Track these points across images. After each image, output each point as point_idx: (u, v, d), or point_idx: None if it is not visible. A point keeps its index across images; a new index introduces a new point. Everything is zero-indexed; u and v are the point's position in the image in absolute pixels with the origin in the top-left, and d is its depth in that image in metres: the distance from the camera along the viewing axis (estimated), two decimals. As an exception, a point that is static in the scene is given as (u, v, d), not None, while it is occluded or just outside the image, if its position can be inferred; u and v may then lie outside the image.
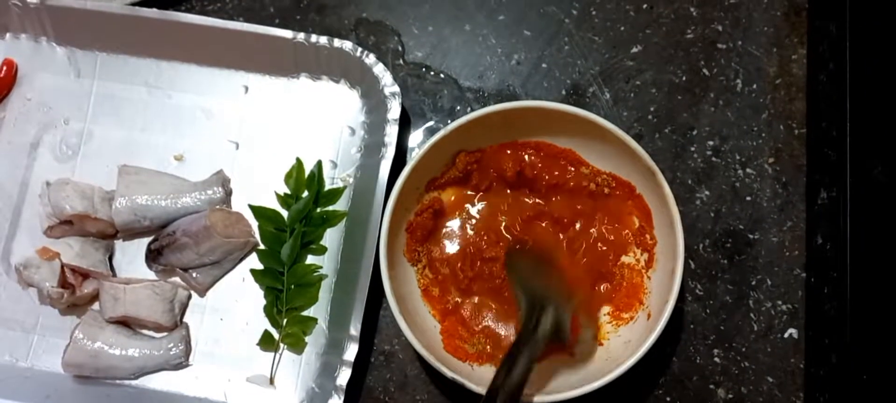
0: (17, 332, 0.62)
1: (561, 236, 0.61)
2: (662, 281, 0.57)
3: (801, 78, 0.68)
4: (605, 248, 0.60)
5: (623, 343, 0.57)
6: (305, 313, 0.62)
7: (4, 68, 0.67)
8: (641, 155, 0.57)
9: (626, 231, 0.61)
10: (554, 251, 0.59)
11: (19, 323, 0.63)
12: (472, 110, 0.59)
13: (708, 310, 0.63)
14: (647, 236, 0.60)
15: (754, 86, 0.68)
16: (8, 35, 0.68)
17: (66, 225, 0.63)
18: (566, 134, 0.61)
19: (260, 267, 0.63)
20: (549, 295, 0.53)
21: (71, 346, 0.60)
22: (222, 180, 0.64)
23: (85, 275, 0.62)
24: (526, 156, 0.62)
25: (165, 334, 0.62)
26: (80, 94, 0.67)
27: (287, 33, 0.64)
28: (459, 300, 0.61)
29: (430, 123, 0.68)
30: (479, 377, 0.57)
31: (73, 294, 0.61)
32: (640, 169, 0.58)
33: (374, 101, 0.65)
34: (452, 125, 0.58)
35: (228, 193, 0.65)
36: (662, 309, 0.55)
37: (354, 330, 0.58)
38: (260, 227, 0.64)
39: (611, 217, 0.61)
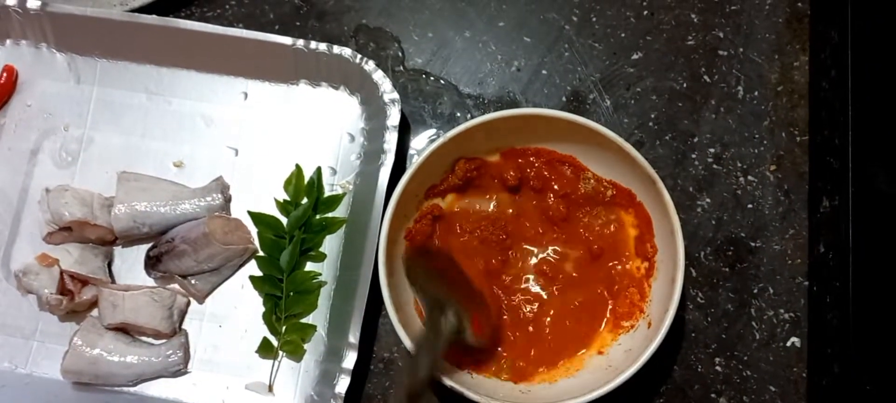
0: (16, 338, 0.62)
1: (556, 237, 0.61)
2: (663, 290, 0.57)
3: (804, 85, 0.68)
4: (601, 252, 0.60)
5: (624, 352, 0.57)
6: (304, 320, 0.62)
7: (5, 74, 0.67)
8: (641, 162, 0.57)
9: (626, 237, 0.61)
10: (451, 257, 0.60)
11: (19, 329, 0.63)
12: (472, 117, 0.59)
13: (709, 319, 0.63)
14: (648, 244, 0.59)
15: (756, 93, 0.67)
16: (8, 41, 0.68)
17: (66, 231, 0.63)
18: (566, 140, 0.60)
19: (259, 273, 0.63)
20: (447, 297, 0.54)
21: (70, 353, 0.60)
22: (221, 186, 0.64)
23: (84, 282, 0.62)
24: (526, 163, 0.62)
25: (164, 341, 0.62)
26: (80, 101, 0.67)
27: (286, 40, 0.64)
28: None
29: (430, 130, 0.67)
30: (477, 385, 0.56)
31: (72, 300, 0.61)
32: (640, 176, 0.58)
33: (373, 108, 0.65)
34: (452, 132, 0.58)
35: (228, 200, 0.64)
36: (663, 318, 0.54)
37: (353, 337, 0.58)
38: (259, 234, 0.64)
39: (611, 223, 0.61)
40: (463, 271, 0.58)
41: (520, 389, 0.57)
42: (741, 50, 0.68)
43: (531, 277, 0.61)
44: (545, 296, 0.60)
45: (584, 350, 0.59)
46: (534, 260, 0.61)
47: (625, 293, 0.59)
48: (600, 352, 0.58)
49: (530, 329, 0.59)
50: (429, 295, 0.55)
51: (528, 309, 0.60)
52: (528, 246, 0.61)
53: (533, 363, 0.58)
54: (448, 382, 0.54)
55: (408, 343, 0.54)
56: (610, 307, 0.59)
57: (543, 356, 0.58)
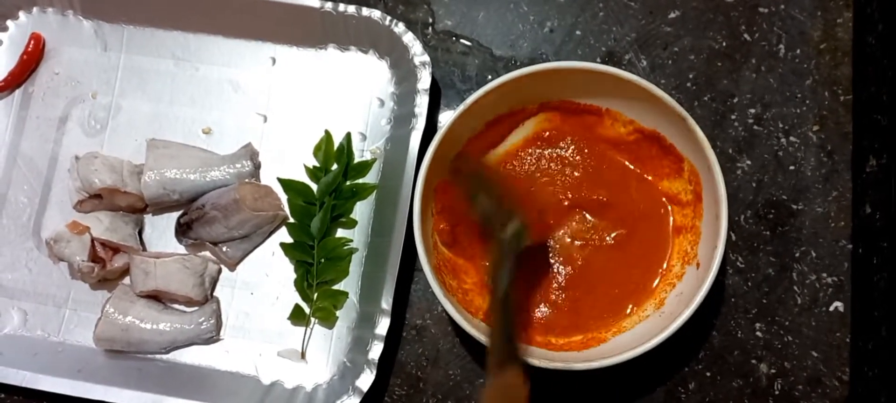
0: (48, 307, 0.62)
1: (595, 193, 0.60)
2: (708, 229, 0.55)
3: (847, 42, 0.65)
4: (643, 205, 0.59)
5: (675, 296, 0.55)
6: (336, 287, 0.61)
7: (32, 43, 0.66)
8: (668, 101, 0.55)
9: (665, 184, 0.59)
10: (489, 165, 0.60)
11: (51, 297, 0.63)
12: (502, 77, 0.57)
13: (750, 283, 0.61)
14: (686, 184, 0.58)
15: (798, 51, 0.65)
16: (35, 9, 0.67)
17: (96, 199, 0.62)
18: (597, 94, 0.58)
19: (290, 240, 0.63)
20: (506, 205, 0.55)
21: (102, 320, 0.60)
22: (251, 153, 0.63)
23: (115, 250, 0.61)
24: (560, 117, 0.60)
25: (196, 308, 0.61)
26: (107, 68, 0.67)
27: (314, 2, 0.63)
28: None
29: (461, 93, 0.66)
30: (530, 351, 0.55)
31: (104, 268, 0.61)
32: (670, 118, 0.56)
33: (403, 71, 0.64)
34: (482, 90, 0.56)
35: (257, 166, 0.64)
36: (712, 256, 0.53)
37: (386, 303, 0.57)
38: (289, 201, 0.63)
39: (649, 170, 0.60)
40: (505, 177, 0.59)
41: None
42: (782, 6, 0.66)
43: (572, 236, 0.59)
44: (585, 255, 0.59)
45: (632, 306, 0.57)
46: (576, 219, 0.60)
47: (674, 239, 0.58)
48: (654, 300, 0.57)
49: (580, 288, 0.58)
50: (487, 208, 0.55)
51: (567, 271, 0.59)
52: (572, 204, 0.60)
53: (582, 324, 0.57)
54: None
55: (446, 303, 0.53)
56: (667, 253, 0.58)
57: (594, 315, 0.57)
